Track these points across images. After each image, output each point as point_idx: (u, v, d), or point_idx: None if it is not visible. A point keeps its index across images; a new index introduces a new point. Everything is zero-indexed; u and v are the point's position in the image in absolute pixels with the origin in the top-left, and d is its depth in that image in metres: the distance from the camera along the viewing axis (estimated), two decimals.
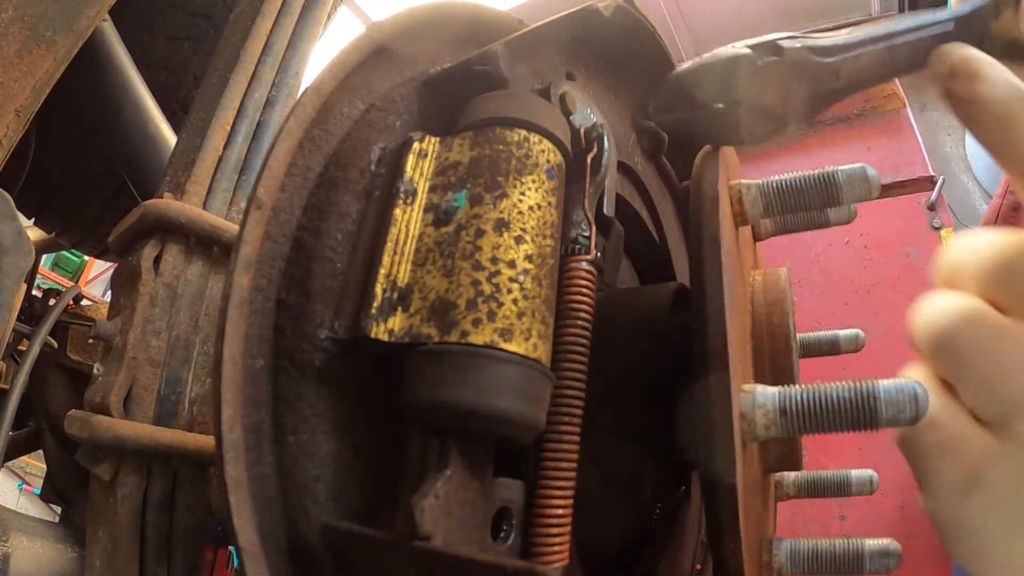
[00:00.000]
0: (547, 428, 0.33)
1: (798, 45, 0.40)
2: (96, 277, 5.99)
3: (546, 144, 0.34)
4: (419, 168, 0.34)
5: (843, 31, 0.42)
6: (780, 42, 0.40)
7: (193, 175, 0.70)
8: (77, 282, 4.67)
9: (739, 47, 0.40)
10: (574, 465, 0.34)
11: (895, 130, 2.37)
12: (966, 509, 0.34)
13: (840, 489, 0.56)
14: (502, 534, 0.32)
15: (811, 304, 2.46)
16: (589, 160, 0.41)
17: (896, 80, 2.51)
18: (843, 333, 0.61)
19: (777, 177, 0.42)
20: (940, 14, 0.39)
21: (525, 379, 0.29)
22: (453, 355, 0.28)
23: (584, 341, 0.35)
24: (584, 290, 0.35)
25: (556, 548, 0.32)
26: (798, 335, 0.52)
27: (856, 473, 0.57)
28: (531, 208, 0.32)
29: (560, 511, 0.32)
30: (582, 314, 0.35)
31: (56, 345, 1.32)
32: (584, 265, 0.36)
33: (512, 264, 0.30)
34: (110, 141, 1.06)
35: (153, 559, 0.62)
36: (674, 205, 0.66)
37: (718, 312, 0.34)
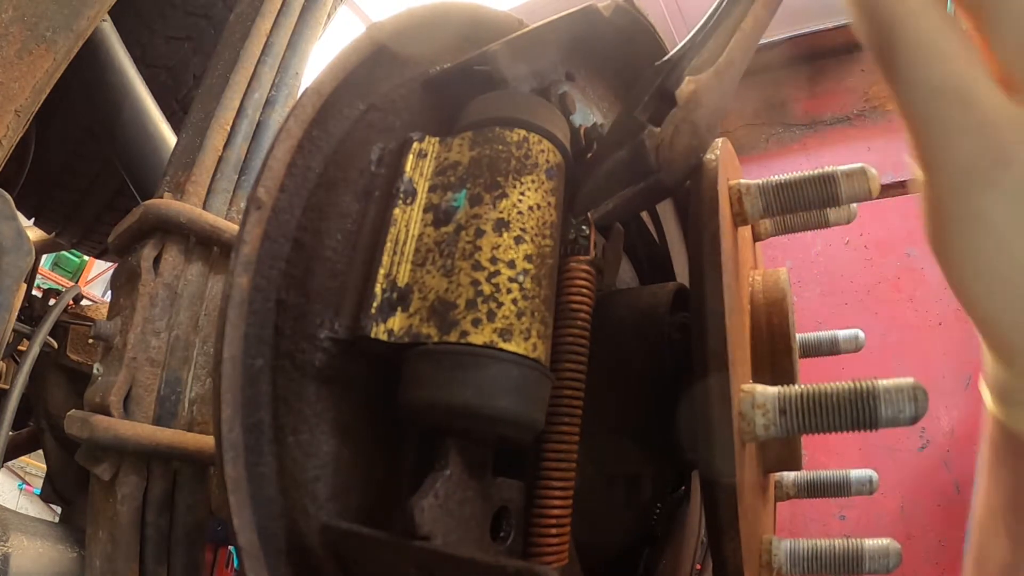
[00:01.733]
0: (546, 428, 0.33)
1: None
2: (96, 277, 5.98)
3: (545, 144, 0.34)
4: (419, 168, 0.34)
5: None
6: None
7: (193, 175, 0.70)
8: (77, 282, 4.66)
9: None
10: (573, 465, 0.34)
11: (895, 130, 2.37)
12: (986, 199, 0.29)
13: (839, 489, 0.56)
14: (501, 534, 0.32)
15: (811, 304, 2.46)
16: (589, 160, 0.41)
17: None
18: (842, 333, 0.62)
19: (777, 177, 0.42)
20: None
21: (524, 379, 0.29)
22: (453, 355, 0.28)
23: (583, 341, 0.35)
24: (583, 290, 0.35)
25: (555, 548, 0.32)
26: (798, 335, 0.52)
27: (856, 473, 0.57)
28: (531, 208, 0.32)
29: (559, 511, 0.32)
30: (581, 314, 0.35)
31: (56, 345, 1.32)
32: (583, 265, 0.36)
33: (512, 264, 0.30)
34: (110, 141, 1.06)
35: (153, 559, 0.62)
36: (674, 205, 0.66)
37: (717, 312, 0.34)
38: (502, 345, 0.28)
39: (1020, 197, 0.28)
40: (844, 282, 2.38)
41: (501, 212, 0.31)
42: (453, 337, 0.28)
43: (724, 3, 0.40)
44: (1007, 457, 0.37)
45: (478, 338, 0.28)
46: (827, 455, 2.10)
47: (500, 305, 0.29)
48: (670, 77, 0.39)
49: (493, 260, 0.30)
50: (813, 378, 0.37)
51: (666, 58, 0.40)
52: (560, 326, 0.35)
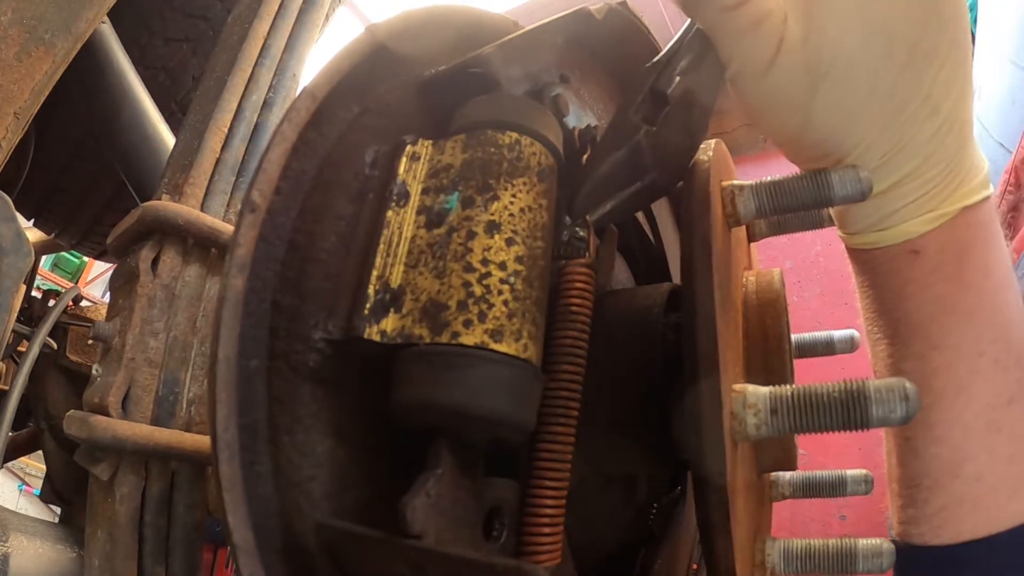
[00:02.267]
0: (541, 428, 0.33)
1: None
2: (95, 278, 5.99)
3: (537, 147, 0.34)
4: (412, 171, 0.34)
5: None
6: None
7: (191, 177, 0.70)
8: (76, 283, 4.67)
9: None
10: (567, 465, 0.34)
11: None
12: (773, 74, 0.38)
13: (835, 489, 0.56)
14: (494, 533, 0.32)
15: (811, 304, 2.46)
16: (583, 162, 0.41)
17: None
18: (838, 334, 0.62)
19: (769, 178, 0.43)
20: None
21: (515, 379, 0.29)
22: (444, 356, 0.28)
23: (582, 343, 0.35)
24: (583, 293, 0.36)
25: (547, 547, 0.32)
26: (793, 336, 0.52)
27: (851, 473, 0.57)
28: (522, 210, 0.32)
29: (552, 511, 0.33)
30: (581, 317, 0.35)
31: (55, 346, 1.32)
32: (582, 268, 0.36)
33: (503, 266, 0.30)
34: (109, 143, 1.06)
35: (152, 558, 0.63)
36: (670, 205, 0.66)
37: (708, 312, 0.34)
38: (493, 346, 0.29)
39: (792, 67, 0.38)
40: (844, 282, 2.37)
41: (492, 214, 0.31)
42: (445, 338, 0.29)
43: None
44: (864, 273, 0.49)
45: (469, 339, 0.28)
46: (827, 455, 2.11)
47: (491, 306, 0.29)
48: (661, 77, 0.40)
49: (484, 262, 0.30)
50: (814, 379, 0.37)
51: (656, 59, 0.41)
52: (559, 328, 0.35)
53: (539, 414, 0.32)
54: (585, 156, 0.42)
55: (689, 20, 0.41)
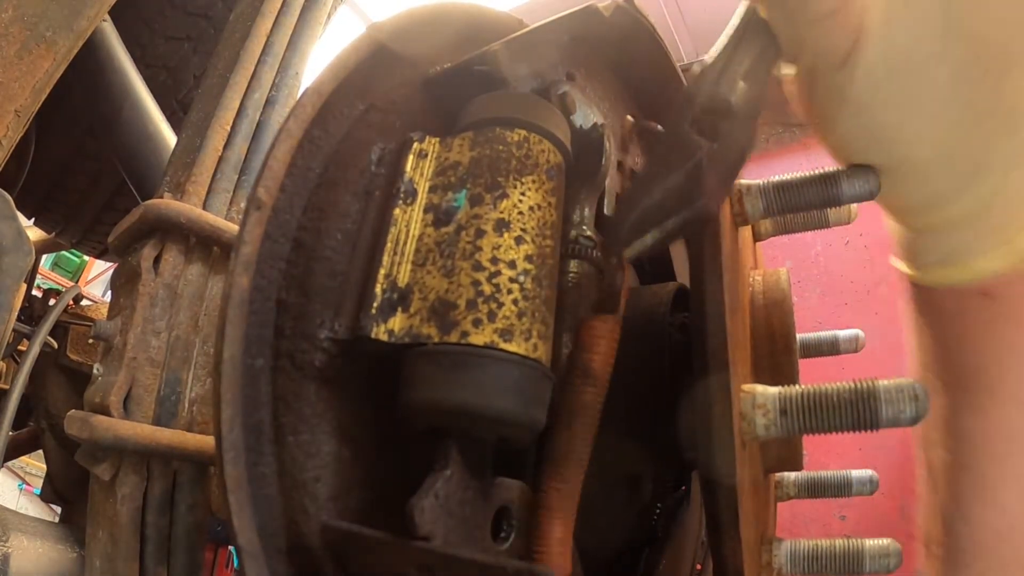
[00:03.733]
0: (553, 424, 0.32)
1: None
2: (96, 277, 5.98)
3: (546, 144, 0.34)
4: (419, 168, 0.34)
5: None
6: None
7: (193, 175, 0.70)
8: (77, 282, 4.66)
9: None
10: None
11: None
12: (849, 69, 0.33)
13: (840, 489, 0.56)
14: (502, 534, 0.32)
15: (811, 304, 2.46)
16: (630, 190, 0.40)
17: None
18: (843, 334, 0.62)
19: (777, 177, 0.42)
20: None
21: (525, 379, 0.29)
22: (453, 355, 0.28)
23: (599, 402, 0.34)
24: (607, 352, 0.34)
25: (557, 548, 0.32)
26: (798, 336, 0.52)
27: (856, 473, 0.57)
28: (531, 208, 0.32)
29: (562, 509, 0.32)
30: (602, 378, 0.33)
31: (56, 345, 1.32)
32: (609, 325, 0.33)
33: (512, 264, 0.30)
34: (110, 141, 1.06)
35: (153, 559, 0.62)
36: None
37: (718, 312, 0.34)
38: (503, 345, 0.28)
39: (870, 62, 0.32)
40: (844, 282, 2.38)
41: (502, 212, 0.31)
42: (454, 337, 0.28)
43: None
44: (927, 313, 0.44)
45: (479, 338, 0.28)
46: (828, 455, 2.10)
47: (501, 305, 0.29)
48: (722, 82, 0.33)
49: (494, 260, 0.30)
50: (814, 379, 0.37)
51: (711, 61, 0.34)
52: (578, 384, 0.33)
53: (552, 410, 0.32)
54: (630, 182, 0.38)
55: (742, 11, 0.35)
